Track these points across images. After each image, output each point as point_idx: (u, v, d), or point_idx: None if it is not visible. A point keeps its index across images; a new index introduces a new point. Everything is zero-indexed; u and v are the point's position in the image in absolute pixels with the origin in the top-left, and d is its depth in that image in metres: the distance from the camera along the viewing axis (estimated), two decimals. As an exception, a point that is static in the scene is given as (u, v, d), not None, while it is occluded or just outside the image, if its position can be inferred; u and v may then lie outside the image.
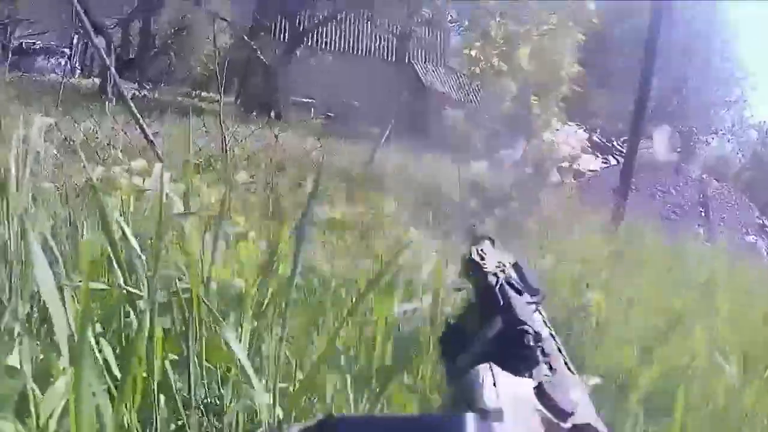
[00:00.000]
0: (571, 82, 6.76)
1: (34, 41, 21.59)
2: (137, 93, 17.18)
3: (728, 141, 31.48)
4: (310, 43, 22.05)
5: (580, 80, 6.96)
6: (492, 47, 6.93)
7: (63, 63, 20.85)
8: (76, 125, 8.54)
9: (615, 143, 20.83)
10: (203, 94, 20.21)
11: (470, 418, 0.56)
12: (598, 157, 19.75)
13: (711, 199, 18.11)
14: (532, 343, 0.85)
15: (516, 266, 1.00)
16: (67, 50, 21.78)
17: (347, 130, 11.41)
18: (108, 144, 6.95)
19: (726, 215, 17.72)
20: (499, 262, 1.02)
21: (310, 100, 21.07)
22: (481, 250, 1.08)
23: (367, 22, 22.04)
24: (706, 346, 2.52)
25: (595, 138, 21.12)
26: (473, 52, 7.01)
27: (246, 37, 21.14)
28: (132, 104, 7.20)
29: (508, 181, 6.68)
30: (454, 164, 6.74)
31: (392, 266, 1.68)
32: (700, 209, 17.69)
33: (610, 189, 12.88)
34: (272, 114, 16.47)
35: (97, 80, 17.58)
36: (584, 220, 7.60)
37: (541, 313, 0.91)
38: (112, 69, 7.06)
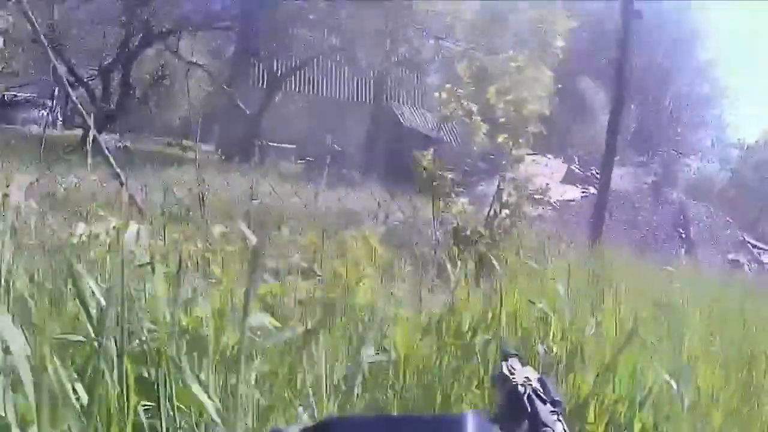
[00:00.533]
0: (540, 117, 6.89)
1: (15, 93, 21.55)
2: (119, 144, 17.25)
3: (709, 161, 31.65)
4: (288, 88, 22.18)
5: (551, 115, 7.11)
6: (460, 88, 7.10)
7: (45, 114, 20.87)
8: (59, 179, 8.64)
9: (594, 172, 21.04)
10: (184, 142, 20.28)
11: (470, 418, 0.58)
12: (577, 187, 20.05)
13: (690, 220, 18.28)
14: None
15: (541, 380, 1.09)
16: (48, 102, 21.82)
17: (329, 173, 11.51)
18: (91, 195, 7.06)
19: (707, 234, 17.89)
20: (526, 377, 1.13)
21: (289, 146, 21.20)
22: (511, 365, 1.18)
23: (344, 65, 22.21)
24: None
25: (573, 168, 21.38)
26: (443, 94, 7.17)
27: (225, 86, 21.32)
28: (112, 160, 7.28)
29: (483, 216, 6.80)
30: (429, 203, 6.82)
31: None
32: (681, 231, 17.86)
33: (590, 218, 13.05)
34: (254, 160, 16.56)
35: (79, 131, 17.60)
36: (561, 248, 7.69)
37: (560, 421, 1.01)
38: (91, 126, 7.09)
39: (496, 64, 7.39)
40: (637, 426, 2.35)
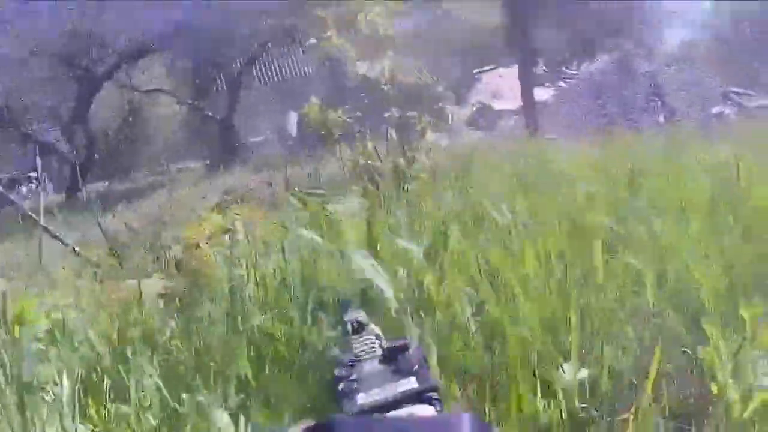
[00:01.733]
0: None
1: (-1, 177, 21.60)
2: (107, 186, 17.46)
3: (684, 25, 31.08)
4: (250, 81, 22.21)
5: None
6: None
7: (35, 187, 20.97)
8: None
9: (565, 69, 20.93)
10: (170, 166, 20.40)
11: (469, 418, 0.58)
12: (547, 87, 20.10)
13: (665, 87, 18.17)
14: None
15: (395, 348, 0.98)
16: (33, 174, 21.93)
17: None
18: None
19: (685, 94, 17.80)
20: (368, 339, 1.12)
21: (266, 136, 21.36)
22: (355, 321, 1.20)
23: (298, 47, 22.15)
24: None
25: (541, 70, 21.35)
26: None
27: (189, 101, 21.45)
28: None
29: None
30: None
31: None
32: (657, 99, 17.78)
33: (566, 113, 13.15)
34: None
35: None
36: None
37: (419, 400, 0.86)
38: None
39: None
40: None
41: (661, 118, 16.10)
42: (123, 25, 19.52)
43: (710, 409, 2.20)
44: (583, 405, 2.19)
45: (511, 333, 2.24)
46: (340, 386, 0.92)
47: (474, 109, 19.12)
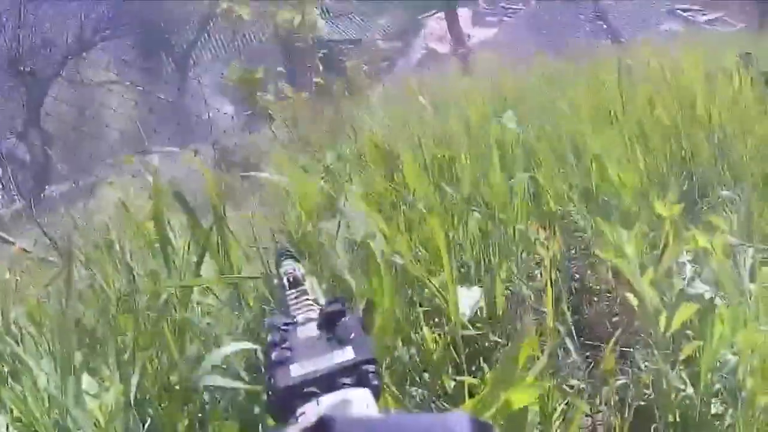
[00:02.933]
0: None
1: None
2: (71, 185, 17.10)
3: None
4: (197, 60, 21.91)
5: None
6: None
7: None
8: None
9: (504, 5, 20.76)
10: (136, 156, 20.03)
11: (469, 418, 0.56)
12: (488, 21, 20.00)
13: (607, 8, 17.99)
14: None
15: (332, 313, 0.92)
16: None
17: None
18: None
19: (630, 14, 17.63)
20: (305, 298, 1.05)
21: (228, 109, 21.03)
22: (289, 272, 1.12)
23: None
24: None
25: (479, 9, 21.20)
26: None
27: (143, 87, 21.07)
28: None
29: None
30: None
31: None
32: (600, 22, 17.63)
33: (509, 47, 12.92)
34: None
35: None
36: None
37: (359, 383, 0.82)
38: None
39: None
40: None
41: (608, 41, 15.90)
42: (62, 23, 19.14)
43: (633, 325, 2.02)
44: (480, 332, 1.99)
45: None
46: (273, 354, 0.86)
47: (420, 54, 18.87)
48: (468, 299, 1.92)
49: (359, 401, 0.78)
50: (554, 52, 12.13)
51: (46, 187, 18.20)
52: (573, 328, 1.85)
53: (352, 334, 0.86)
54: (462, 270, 2.25)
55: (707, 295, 1.94)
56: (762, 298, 1.88)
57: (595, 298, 2.23)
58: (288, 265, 1.16)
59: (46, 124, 20.16)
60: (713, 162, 2.93)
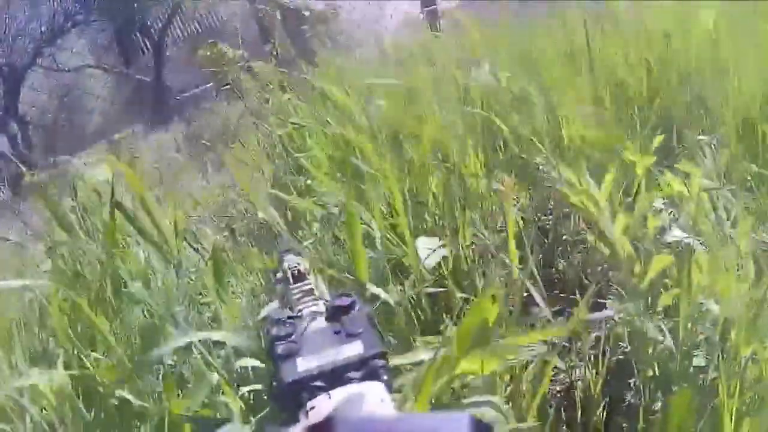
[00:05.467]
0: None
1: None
2: (54, 172, 16.89)
3: None
4: (173, 39, 21.71)
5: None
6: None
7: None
8: None
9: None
10: (116, 136, 19.90)
11: (470, 418, 0.54)
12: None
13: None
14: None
15: (338, 308, 0.92)
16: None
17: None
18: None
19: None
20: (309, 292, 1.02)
21: (207, 86, 20.83)
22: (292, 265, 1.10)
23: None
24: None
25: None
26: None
27: (120, 70, 20.87)
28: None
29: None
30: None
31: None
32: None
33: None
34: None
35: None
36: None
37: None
38: None
39: None
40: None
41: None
42: (34, 11, 18.96)
43: (608, 276, 1.90)
44: (443, 287, 1.88)
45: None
46: (279, 348, 0.83)
47: (391, 17, 18.60)
48: (428, 250, 1.81)
49: (373, 395, 0.76)
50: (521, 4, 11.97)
51: (27, 174, 17.97)
52: (542, 281, 1.73)
53: (361, 328, 0.84)
54: (426, 224, 2.14)
55: (685, 242, 1.83)
56: (744, 244, 1.76)
57: (569, 250, 2.12)
58: (291, 260, 1.13)
59: (25, 113, 19.95)
60: (690, 106, 2.81)
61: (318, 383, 0.77)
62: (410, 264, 1.77)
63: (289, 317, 0.90)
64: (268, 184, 3.16)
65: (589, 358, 1.69)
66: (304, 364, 0.80)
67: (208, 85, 21.26)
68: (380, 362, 0.80)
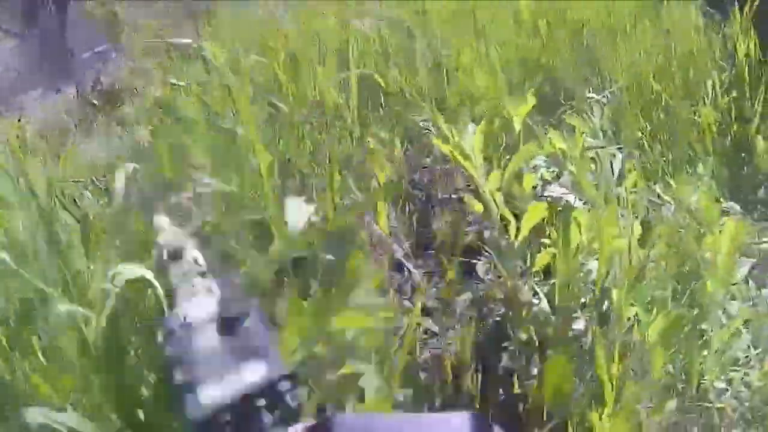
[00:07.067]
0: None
1: None
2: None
3: None
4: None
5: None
6: None
7: None
8: None
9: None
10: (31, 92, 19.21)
11: (470, 417, 0.52)
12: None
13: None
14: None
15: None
16: None
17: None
18: None
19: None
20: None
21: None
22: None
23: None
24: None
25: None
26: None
27: (23, 32, 20.04)
28: None
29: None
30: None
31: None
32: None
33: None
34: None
35: None
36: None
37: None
38: None
39: None
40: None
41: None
42: None
43: (483, 235, 1.81)
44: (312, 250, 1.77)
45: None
46: (177, 376, 0.74)
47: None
48: (293, 210, 1.68)
49: None
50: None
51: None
52: (416, 240, 1.62)
53: (258, 341, 0.76)
54: (294, 184, 2.02)
55: (565, 200, 1.76)
56: (629, 202, 1.68)
57: (445, 208, 2.03)
58: (167, 235, 1.03)
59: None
60: (578, 65, 2.76)
61: (226, 417, 0.70)
62: (274, 225, 1.65)
63: (180, 325, 0.82)
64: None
65: (463, 322, 1.60)
66: (207, 396, 0.72)
67: (106, 45, 20.74)
68: (286, 385, 0.72)
